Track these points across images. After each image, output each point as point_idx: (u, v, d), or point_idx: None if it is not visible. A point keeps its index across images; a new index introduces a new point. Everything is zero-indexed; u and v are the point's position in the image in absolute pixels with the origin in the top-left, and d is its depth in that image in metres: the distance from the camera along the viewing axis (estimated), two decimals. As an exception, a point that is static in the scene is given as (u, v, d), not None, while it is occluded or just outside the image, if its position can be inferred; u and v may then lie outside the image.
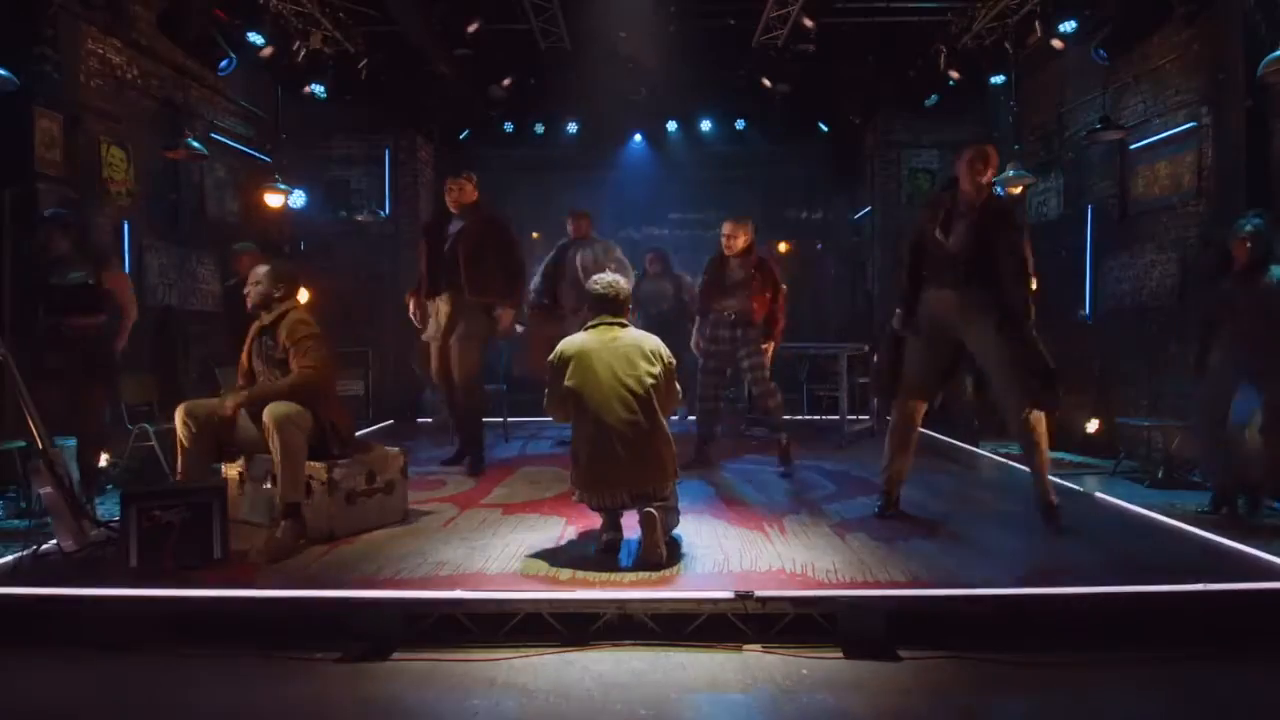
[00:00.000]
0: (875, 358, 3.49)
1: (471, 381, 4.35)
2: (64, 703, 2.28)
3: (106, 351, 3.59)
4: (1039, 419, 3.22)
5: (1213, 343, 3.86)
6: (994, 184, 3.35)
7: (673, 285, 6.23)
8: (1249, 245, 3.65)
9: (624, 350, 2.96)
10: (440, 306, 4.44)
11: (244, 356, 3.46)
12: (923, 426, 3.66)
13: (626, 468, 2.88)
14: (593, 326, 3.06)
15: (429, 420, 6.58)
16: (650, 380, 2.92)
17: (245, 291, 3.35)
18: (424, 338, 4.62)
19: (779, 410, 4.22)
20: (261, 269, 3.34)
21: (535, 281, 5.37)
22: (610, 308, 3.04)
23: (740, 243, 4.34)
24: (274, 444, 3.10)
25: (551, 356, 3.04)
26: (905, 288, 3.44)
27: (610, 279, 3.10)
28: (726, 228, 4.39)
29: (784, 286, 4.48)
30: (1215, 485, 3.89)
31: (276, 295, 3.30)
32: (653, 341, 3.04)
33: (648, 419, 2.91)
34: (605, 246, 5.22)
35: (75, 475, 3.56)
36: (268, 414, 3.10)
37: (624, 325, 3.06)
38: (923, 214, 3.53)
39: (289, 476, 3.11)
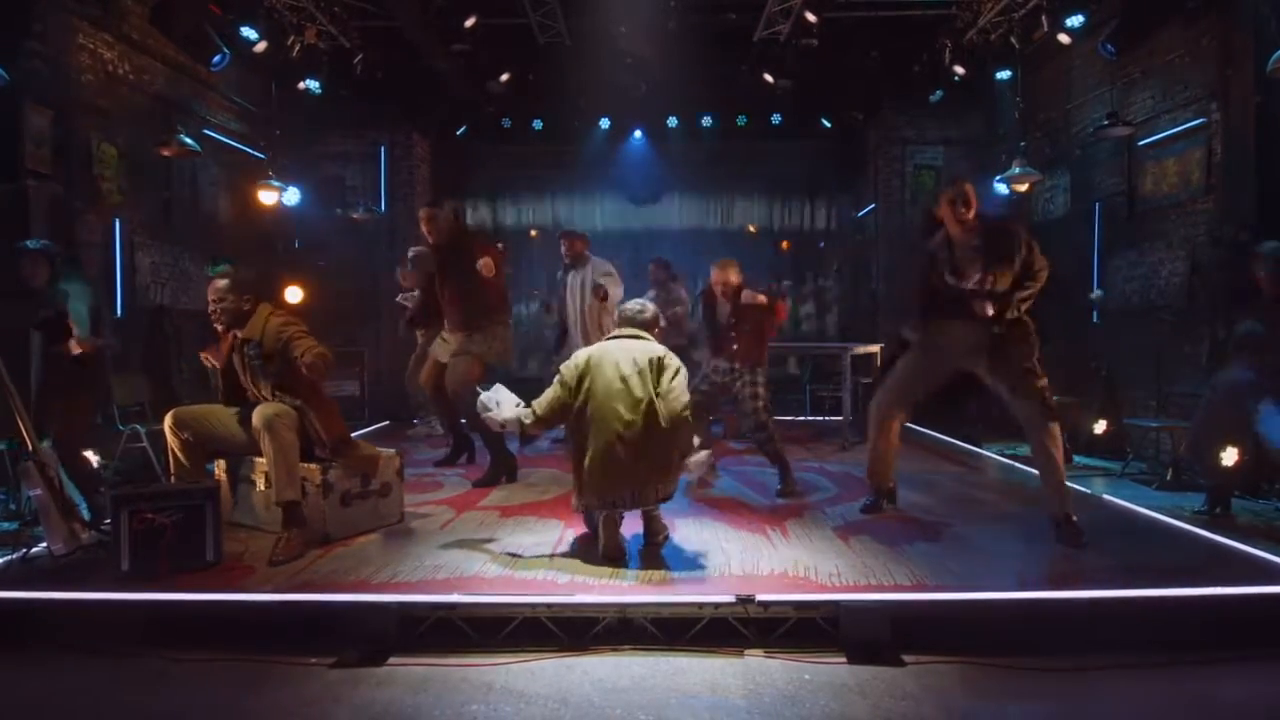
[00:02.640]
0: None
1: (464, 392, 4.28)
2: (54, 708, 2.24)
3: (91, 369, 3.58)
4: (1054, 436, 3.17)
5: (1225, 348, 3.78)
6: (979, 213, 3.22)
7: (677, 292, 6.12)
8: (1266, 275, 3.50)
9: (634, 355, 3.00)
10: (445, 335, 4.42)
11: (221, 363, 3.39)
12: (926, 428, 3.62)
13: (629, 469, 2.88)
14: (613, 337, 3.14)
15: (416, 421, 6.51)
16: (657, 386, 2.95)
17: (211, 311, 3.25)
18: (432, 349, 4.61)
19: (780, 455, 4.16)
20: (221, 284, 3.24)
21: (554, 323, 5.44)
22: (635, 324, 3.15)
23: (733, 279, 4.19)
24: (265, 445, 3.07)
25: (568, 363, 3.09)
26: (916, 305, 3.38)
27: (642, 302, 3.26)
28: (718, 268, 4.23)
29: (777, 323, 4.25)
30: (1209, 485, 3.84)
31: (246, 307, 3.24)
32: (661, 350, 3.06)
33: (651, 421, 2.91)
34: (601, 270, 5.18)
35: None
36: (257, 416, 3.08)
37: (640, 337, 3.11)
38: (920, 259, 3.39)
39: (283, 475, 3.08)
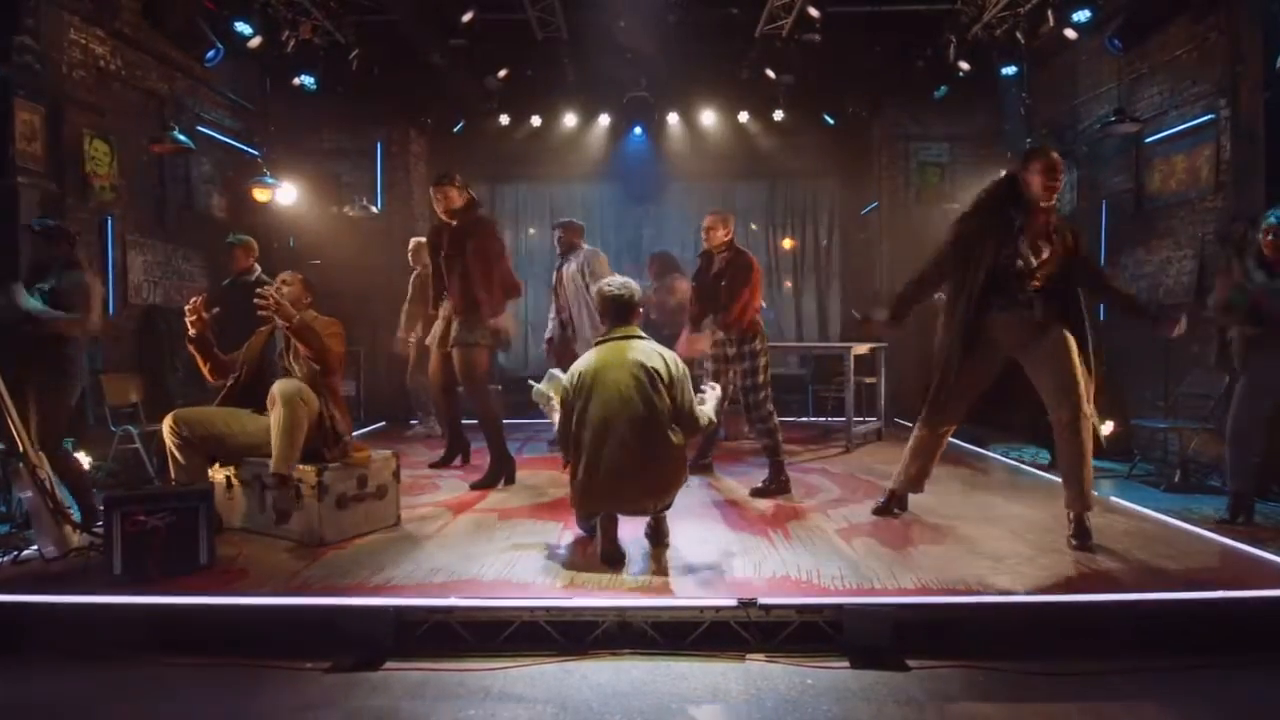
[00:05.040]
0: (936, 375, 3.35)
1: (477, 385, 4.23)
2: (45, 711, 2.21)
3: (62, 354, 3.50)
4: (1089, 433, 3.10)
5: (1233, 339, 3.74)
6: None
7: (673, 290, 6.09)
8: (1272, 239, 3.50)
9: (636, 367, 2.87)
10: (443, 314, 4.37)
11: (243, 352, 3.51)
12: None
13: (629, 483, 2.84)
14: (604, 341, 3.01)
15: (414, 422, 6.44)
16: (659, 396, 2.86)
17: (275, 288, 3.42)
18: (426, 341, 4.56)
19: (778, 450, 4.10)
20: (294, 274, 3.64)
21: (551, 318, 5.36)
22: (624, 314, 3.02)
23: (720, 235, 4.18)
24: (276, 415, 3.15)
25: (565, 379, 3.00)
26: (911, 290, 3.34)
27: (623, 281, 3.08)
28: (706, 220, 4.24)
29: (754, 278, 4.17)
30: (1234, 490, 3.77)
31: (307, 301, 3.57)
32: (661, 356, 2.96)
33: (653, 435, 2.84)
34: (591, 255, 5.15)
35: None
36: (278, 385, 3.20)
37: (638, 337, 3.01)
38: (968, 225, 3.22)
39: (285, 447, 3.14)
